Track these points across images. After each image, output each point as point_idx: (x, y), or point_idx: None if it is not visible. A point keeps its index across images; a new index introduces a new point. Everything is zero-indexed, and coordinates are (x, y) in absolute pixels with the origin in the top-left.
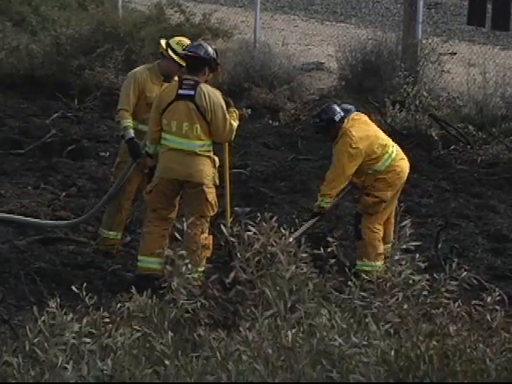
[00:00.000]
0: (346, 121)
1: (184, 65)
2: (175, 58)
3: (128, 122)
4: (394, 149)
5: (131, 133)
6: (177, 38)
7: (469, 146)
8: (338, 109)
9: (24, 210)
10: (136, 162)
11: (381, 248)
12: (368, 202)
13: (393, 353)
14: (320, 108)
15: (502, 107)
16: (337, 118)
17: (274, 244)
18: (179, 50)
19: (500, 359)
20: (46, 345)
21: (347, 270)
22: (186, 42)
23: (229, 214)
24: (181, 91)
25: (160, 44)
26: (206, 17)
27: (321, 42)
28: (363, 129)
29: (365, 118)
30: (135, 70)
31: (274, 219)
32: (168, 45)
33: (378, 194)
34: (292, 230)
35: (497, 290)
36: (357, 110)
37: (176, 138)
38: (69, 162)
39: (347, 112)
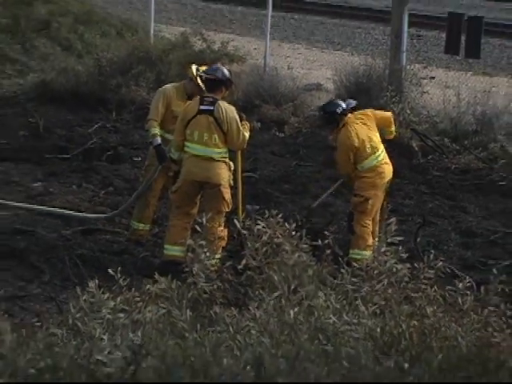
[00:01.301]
0: (349, 115)
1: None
2: (199, 81)
3: (156, 130)
4: (382, 153)
5: (158, 140)
6: (204, 68)
7: (444, 156)
8: (340, 102)
9: (69, 205)
10: (162, 165)
11: (370, 241)
12: (356, 202)
13: (378, 330)
14: (324, 106)
15: (473, 123)
16: (338, 111)
17: (279, 236)
18: (204, 74)
19: (470, 337)
20: (85, 319)
21: (340, 259)
22: (194, 70)
23: (241, 211)
24: (202, 107)
25: (190, 69)
26: (224, 44)
27: (320, 66)
28: (363, 127)
29: (369, 117)
30: (164, 87)
31: (279, 215)
32: (196, 69)
33: (363, 194)
34: (294, 225)
35: (467, 277)
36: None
37: (197, 146)
38: (107, 165)
39: (349, 105)
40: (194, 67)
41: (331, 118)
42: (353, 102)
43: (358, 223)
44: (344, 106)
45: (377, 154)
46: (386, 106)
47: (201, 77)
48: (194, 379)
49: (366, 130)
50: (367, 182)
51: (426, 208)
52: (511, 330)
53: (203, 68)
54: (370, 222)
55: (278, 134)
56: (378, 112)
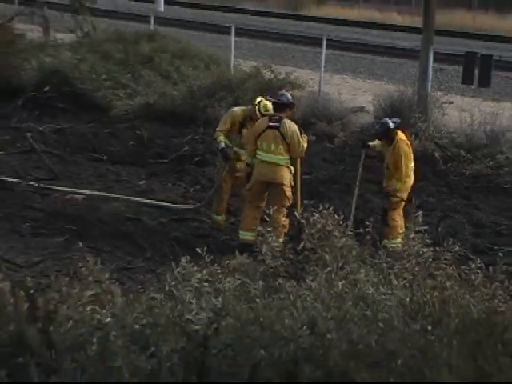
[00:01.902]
0: (398, 131)
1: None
2: (258, 114)
3: (221, 138)
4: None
5: (223, 145)
6: (265, 102)
7: (460, 164)
8: (389, 121)
9: (166, 199)
10: (227, 165)
11: (400, 231)
12: (394, 202)
13: (407, 299)
14: (378, 123)
15: (483, 138)
16: (391, 126)
17: (330, 225)
18: (263, 110)
19: (480, 306)
20: (178, 287)
21: (378, 243)
22: (269, 106)
23: (299, 205)
24: (270, 123)
25: (256, 100)
26: (288, 75)
27: (363, 93)
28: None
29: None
30: (234, 108)
31: (330, 209)
32: (259, 104)
33: (400, 195)
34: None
35: (478, 260)
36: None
37: (266, 153)
38: (195, 168)
39: (397, 123)
40: (258, 99)
41: (387, 132)
42: (398, 121)
43: (392, 218)
44: (393, 124)
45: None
46: (414, 124)
47: (261, 113)
48: (263, 334)
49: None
50: (406, 186)
51: (445, 205)
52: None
53: (264, 103)
54: (401, 217)
55: (328, 145)
56: None
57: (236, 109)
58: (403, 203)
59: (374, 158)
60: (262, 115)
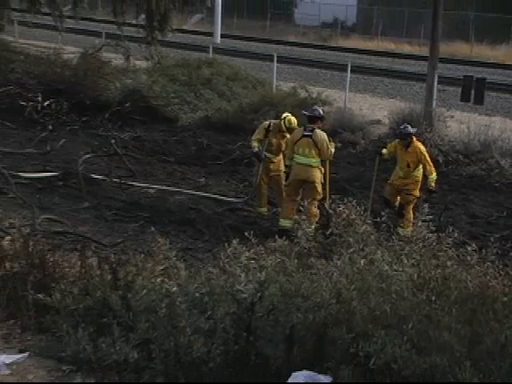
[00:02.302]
0: (414, 137)
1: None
2: (284, 127)
3: (255, 144)
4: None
5: (256, 149)
6: (289, 118)
7: (459, 167)
8: (409, 126)
9: (221, 193)
10: (261, 165)
11: (411, 221)
12: (409, 199)
13: (415, 275)
14: (402, 127)
15: (478, 146)
16: (413, 132)
17: (353, 214)
18: (287, 124)
19: (475, 281)
20: (230, 263)
21: (392, 229)
22: (293, 120)
23: (328, 198)
24: (305, 132)
25: (283, 115)
26: (319, 94)
27: (380, 109)
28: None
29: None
30: (266, 121)
31: (353, 202)
32: (284, 119)
33: (414, 193)
34: (362, 209)
35: (473, 244)
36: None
37: (301, 157)
38: (245, 168)
39: (415, 129)
40: (284, 115)
41: (408, 136)
42: (416, 129)
43: (407, 211)
44: (413, 130)
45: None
46: (422, 134)
47: (286, 126)
48: (299, 302)
49: None
50: (419, 185)
51: (446, 199)
52: (503, 278)
53: (288, 118)
54: (413, 210)
55: (352, 150)
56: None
57: (267, 122)
58: (416, 200)
59: (387, 161)
60: (287, 128)
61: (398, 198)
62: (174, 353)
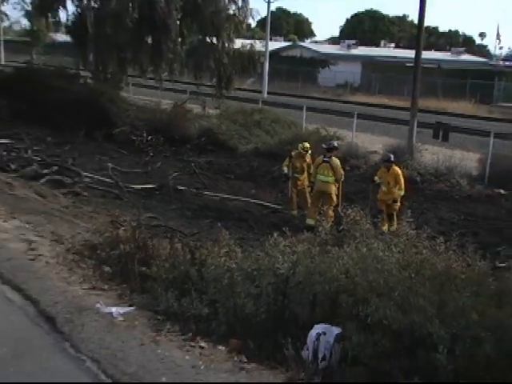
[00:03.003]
0: (393, 164)
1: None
2: (301, 151)
3: (284, 168)
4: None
5: (285, 171)
6: (302, 144)
7: (431, 184)
8: (392, 156)
9: (266, 200)
10: (291, 181)
11: (396, 222)
12: (395, 206)
13: (401, 259)
14: (385, 155)
15: (444, 170)
16: (392, 159)
17: (358, 217)
18: (300, 148)
19: (442, 264)
20: (272, 249)
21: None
22: (305, 145)
23: (340, 204)
24: (324, 159)
25: (299, 145)
26: (334, 133)
27: (377, 143)
28: (403, 173)
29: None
30: (292, 152)
31: (358, 208)
32: (300, 146)
33: (397, 206)
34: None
35: (441, 238)
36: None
37: (322, 176)
38: (282, 183)
39: (394, 157)
40: (306, 144)
41: (390, 162)
42: (393, 157)
43: (393, 215)
44: (393, 157)
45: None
46: (405, 161)
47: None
48: (319, 276)
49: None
50: (399, 198)
51: (422, 207)
52: (461, 262)
53: (307, 146)
54: (398, 214)
55: (357, 172)
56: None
57: (292, 152)
58: (398, 207)
59: (378, 185)
60: (303, 151)
61: (385, 206)
62: (233, 310)
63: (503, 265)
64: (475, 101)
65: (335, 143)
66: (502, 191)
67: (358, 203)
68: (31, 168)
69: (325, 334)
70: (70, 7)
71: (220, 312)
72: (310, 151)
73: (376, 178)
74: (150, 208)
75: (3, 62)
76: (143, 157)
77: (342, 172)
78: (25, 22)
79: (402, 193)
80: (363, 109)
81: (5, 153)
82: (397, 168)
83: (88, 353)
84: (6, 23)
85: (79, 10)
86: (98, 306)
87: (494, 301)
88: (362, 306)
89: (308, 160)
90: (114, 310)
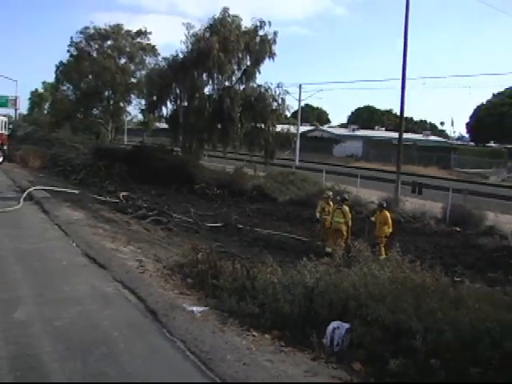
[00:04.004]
0: (384, 208)
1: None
2: (326, 197)
3: (317, 213)
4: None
5: (318, 215)
6: (326, 193)
7: (410, 223)
8: (384, 202)
9: (298, 235)
10: (319, 223)
11: (384, 251)
12: (382, 240)
13: (391, 276)
14: (380, 202)
15: (419, 214)
16: (384, 204)
17: (361, 247)
18: (325, 195)
19: (418, 279)
20: (302, 269)
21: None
22: (329, 193)
23: (349, 238)
24: (338, 207)
25: (324, 194)
26: (344, 188)
27: (373, 195)
28: (391, 215)
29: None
30: (320, 200)
31: (360, 240)
32: (328, 195)
33: (384, 238)
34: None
35: (418, 261)
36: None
37: (336, 218)
38: (310, 223)
39: (386, 204)
40: (329, 192)
41: (382, 207)
42: (385, 203)
43: (381, 247)
44: (385, 203)
45: (390, 226)
46: (393, 207)
47: (338, 198)
48: (335, 288)
49: (391, 216)
50: (388, 233)
51: (404, 239)
52: (432, 277)
53: (329, 193)
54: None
55: (360, 215)
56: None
57: (320, 201)
58: (385, 241)
59: (374, 224)
60: (328, 197)
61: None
62: (275, 310)
63: (459, 279)
64: (439, 167)
65: (346, 195)
66: (457, 228)
67: (361, 237)
68: (141, 211)
69: (338, 328)
70: (169, 106)
71: (266, 311)
72: (331, 197)
73: (372, 218)
74: (218, 240)
75: (126, 142)
76: (214, 204)
77: (350, 216)
78: (140, 116)
79: (390, 230)
80: (364, 172)
81: (125, 201)
82: (387, 212)
83: (178, 336)
84: (128, 117)
85: (175, 107)
86: (184, 305)
87: (452, 304)
88: (363, 308)
89: (331, 204)
90: (194, 308)
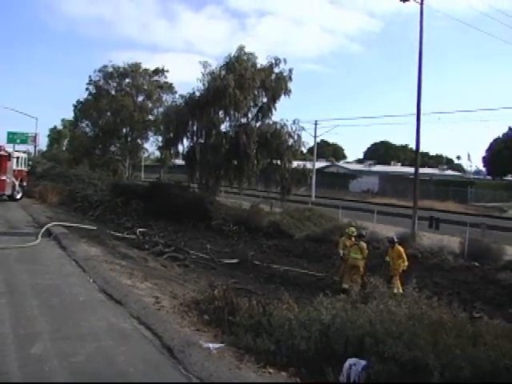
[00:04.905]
0: (397, 243)
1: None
2: (348, 233)
3: (340, 250)
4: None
5: (341, 253)
6: (348, 229)
7: (428, 259)
8: (395, 237)
9: (315, 271)
10: (342, 260)
11: (399, 286)
12: (396, 272)
13: (407, 312)
14: (390, 238)
15: (437, 249)
16: (396, 240)
17: (377, 283)
18: (349, 232)
19: (435, 315)
20: (319, 305)
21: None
22: (351, 229)
23: (365, 274)
24: (356, 242)
25: (346, 230)
26: (361, 224)
27: (390, 231)
28: (404, 249)
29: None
30: (342, 236)
31: (377, 276)
32: (350, 231)
33: (399, 270)
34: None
35: (435, 297)
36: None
37: (354, 254)
38: (327, 259)
39: (397, 239)
40: (352, 228)
41: (393, 243)
42: (396, 239)
43: (396, 280)
44: (397, 239)
45: (406, 260)
46: (410, 242)
47: (353, 235)
48: (351, 324)
49: (404, 250)
50: (404, 267)
51: (422, 275)
52: (449, 314)
53: (352, 230)
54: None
55: (377, 251)
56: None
57: (342, 237)
58: (399, 275)
59: (388, 262)
60: (349, 235)
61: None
62: (291, 347)
63: (478, 315)
64: (456, 201)
65: (363, 232)
66: (476, 263)
67: (377, 273)
68: (158, 247)
69: (355, 364)
70: (186, 143)
71: (282, 348)
72: (354, 233)
73: (387, 258)
74: (235, 276)
75: (143, 179)
76: (230, 240)
77: (367, 252)
78: (157, 153)
79: (406, 263)
80: (380, 207)
81: (142, 237)
82: (399, 246)
83: (194, 372)
84: (145, 154)
85: (191, 144)
86: (200, 342)
87: (471, 340)
88: (380, 345)
89: (353, 240)
90: (210, 345)
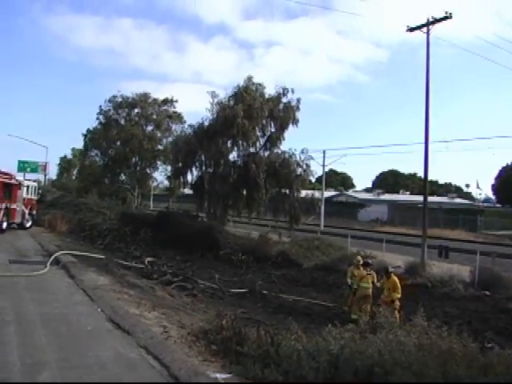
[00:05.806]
0: (392, 274)
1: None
2: (356, 263)
3: (348, 279)
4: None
5: (349, 282)
6: (356, 258)
7: (437, 288)
8: (391, 268)
9: (324, 301)
10: (351, 289)
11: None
12: (393, 306)
13: (416, 342)
14: (385, 268)
15: (447, 278)
16: (391, 270)
17: (387, 314)
18: (357, 261)
19: (445, 345)
20: (327, 336)
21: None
22: (359, 258)
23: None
24: (366, 272)
25: (354, 259)
26: (370, 253)
27: (399, 260)
28: (398, 281)
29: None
30: (351, 266)
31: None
32: (358, 260)
33: (396, 305)
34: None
35: (445, 327)
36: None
37: (364, 283)
38: (336, 289)
39: (394, 269)
40: (359, 257)
41: (389, 273)
42: (393, 269)
43: (395, 311)
44: (392, 269)
45: (400, 292)
46: (419, 272)
47: (362, 262)
48: (360, 354)
49: (399, 281)
50: (395, 298)
51: (432, 304)
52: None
53: (359, 258)
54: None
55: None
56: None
57: (350, 267)
58: (397, 307)
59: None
60: (357, 265)
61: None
62: (300, 377)
63: (490, 345)
64: (465, 230)
65: (370, 261)
66: (487, 292)
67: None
68: (166, 277)
69: None
70: (194, 172)
71: (291, 379)
72: (360, 262)
73: (378, 284)
74: (243, 306)
75: (152, 208)
76: (239, 270)
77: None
78: (166, 182)
79: (399, 295)
80: (389, 236)
81: (150, 267)
82: (394, 277)
83: None
84: (154, 183)
85: (200, 173)
86: (208, 372)
87: (481, 371)
88: (389, 375)
89: (361, 269)
90: (218, 375)
